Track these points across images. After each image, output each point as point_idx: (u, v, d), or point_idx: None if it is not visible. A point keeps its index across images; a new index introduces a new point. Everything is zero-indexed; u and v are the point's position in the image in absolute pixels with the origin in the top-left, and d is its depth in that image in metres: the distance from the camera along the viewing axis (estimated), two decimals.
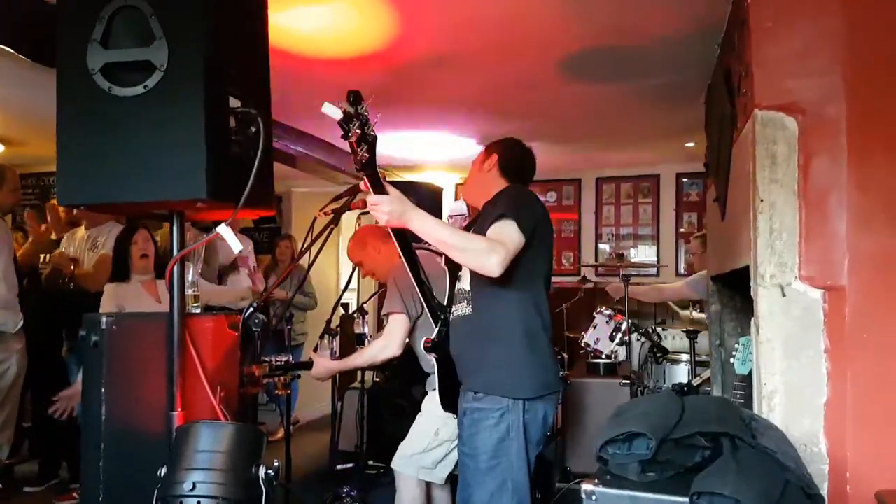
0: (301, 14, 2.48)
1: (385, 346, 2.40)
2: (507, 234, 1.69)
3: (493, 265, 1.62)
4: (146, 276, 2.93)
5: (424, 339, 2.03)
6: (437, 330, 2.01)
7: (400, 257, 1.95)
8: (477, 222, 1.94)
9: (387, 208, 1.60)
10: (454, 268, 2.00)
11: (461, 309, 1.93)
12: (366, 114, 1.58)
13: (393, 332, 2.38)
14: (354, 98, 1.58)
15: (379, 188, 1.64)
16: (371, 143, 1.60)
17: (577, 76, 3.19)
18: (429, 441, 2.39)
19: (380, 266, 2.63)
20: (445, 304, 2.04)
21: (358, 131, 1.57)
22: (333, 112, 1.57)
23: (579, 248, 5.80)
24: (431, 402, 2.42)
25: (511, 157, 2.03)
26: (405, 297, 2.36)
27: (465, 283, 1.94)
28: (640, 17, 2.51)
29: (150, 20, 1.44)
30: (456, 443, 2.24)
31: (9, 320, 3.02)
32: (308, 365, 2.55)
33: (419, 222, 1.62)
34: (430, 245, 2.28)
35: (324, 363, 2.53)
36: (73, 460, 3.40)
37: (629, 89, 3.41)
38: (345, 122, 1.57)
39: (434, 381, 2.16)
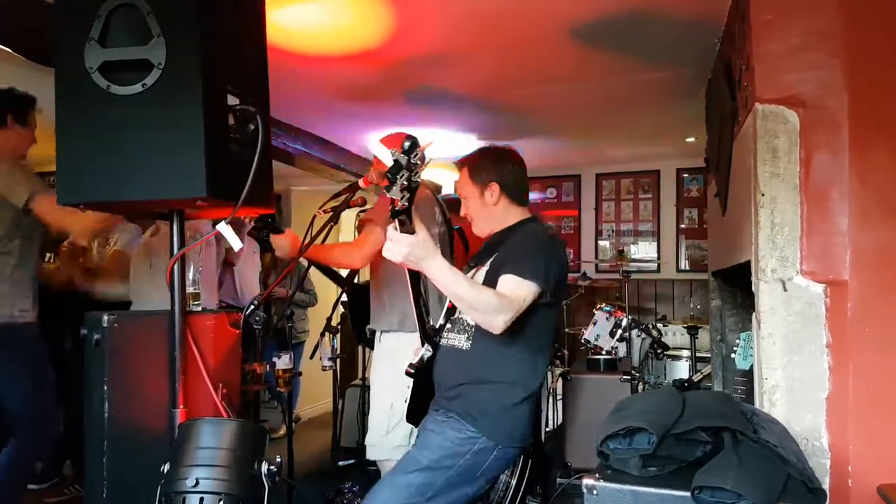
0: (298, 11, 2.47)
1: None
2: (522, 296, 1.62)
3: (497, 325, 1.59)
4: None
5: (408, 364, 1.88)
6: (420, 354, 1.86)
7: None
8: (499, 250, 1.80)
9: (405, 250, 1.47)
10: None
11: (458, 340, 1.80)
12: (417, 163, 1.39)
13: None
14: (410, 146, 1.38)
15: (406, 229, 1.49)
16: (413, 191, 1.43)
17: (577, 71, 3.18)
18: (388, 418, 2.34)
19: None
20: (439, 324, 1.88)
21: (405, 183, 1.39)
22: (384, 156, 1.41)
23: (579, 244, 5.79)
24: (377, 382, 2.46)
25: (511, 180, 1.86)
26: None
27: (468, 316, 1.79)
28: (639, 11, 2.50)
29: (147, 18, 1.44)
30: None
31: None
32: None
33: (435, 271, 1.52)
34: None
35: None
36: (76, 458, 3.40)
37: (629, 84, 3.39)
38: (393, 173, 1.38)
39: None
